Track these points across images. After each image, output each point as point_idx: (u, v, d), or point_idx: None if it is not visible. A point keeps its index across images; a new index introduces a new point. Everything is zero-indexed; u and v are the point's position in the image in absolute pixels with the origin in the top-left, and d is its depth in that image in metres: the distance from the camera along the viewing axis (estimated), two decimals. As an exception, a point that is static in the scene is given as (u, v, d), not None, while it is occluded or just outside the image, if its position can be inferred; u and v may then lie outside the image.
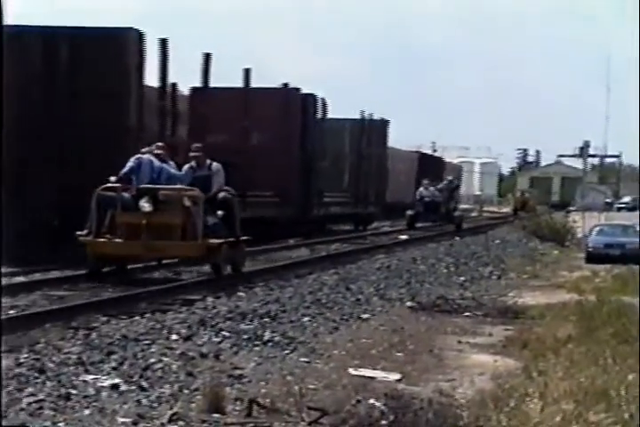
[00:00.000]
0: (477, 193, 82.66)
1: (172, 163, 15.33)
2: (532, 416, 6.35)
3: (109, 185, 14.44)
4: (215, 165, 15.42)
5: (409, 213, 33.23)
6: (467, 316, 12.32)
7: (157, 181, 14.62)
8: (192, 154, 15.57)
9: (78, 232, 14.34)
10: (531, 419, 6.30)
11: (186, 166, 15.43)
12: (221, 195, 15.14)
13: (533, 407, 6.55)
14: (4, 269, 15.11)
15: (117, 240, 14.16)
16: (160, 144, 15.41)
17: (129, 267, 15.42)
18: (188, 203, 14.44)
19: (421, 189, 34.83)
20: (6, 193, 17.23)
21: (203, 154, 15.60)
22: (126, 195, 14.47)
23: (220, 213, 14.76)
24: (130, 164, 14.70)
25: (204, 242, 14.08)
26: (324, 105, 28.86)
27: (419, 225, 33.63)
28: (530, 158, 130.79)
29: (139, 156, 14.83)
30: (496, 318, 12.21)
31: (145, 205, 14.21)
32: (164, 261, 15.92)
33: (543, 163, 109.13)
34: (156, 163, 14.80)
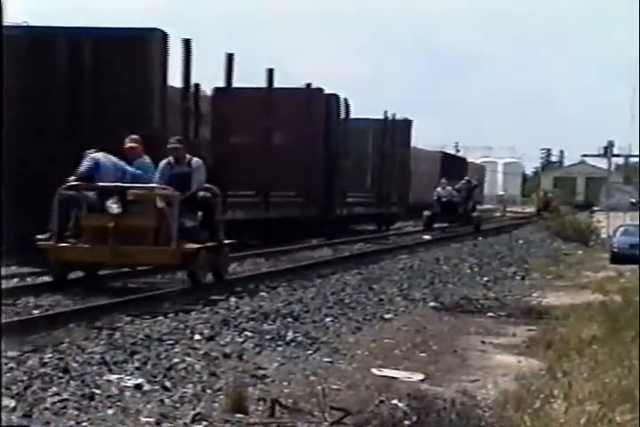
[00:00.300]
0: (501, 193, 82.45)
1: (146, 158, 14.00)
2: (556, 417, 6.32)
3: (72, 184, 13.25)
4: (195, 160, 13.85)
5: (426, 213, 32.64)
6: (490, 316, 12.29)
7: (122, 181, 13.35)
8: (170, 146, 13.93)
9: (39, 236, 13.05)
10: (555, 420, 6.27)
11: (162, 162, 13.93)
12: (201, 194, 13.57)
13: (557, 408, 6.52)
14: (26, 269, 15.21)
15: (82, 245, 12.82)
16: (174, 140, 14.19)
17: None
18: (161, 204, 13.04)
19: (439, 188, 33.97)
20: (30, 192, 17.33)
21: (183, 147, 14.03)
22: (91, 195, 13.32)
23: (199, 214, 13.45)
24: (86, 162, 13.54)
25: (179, 247, 12.66)
26: (347, 105, 28.85)
27: (436, 226, 33.14)
28: (553, 158, 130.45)
29: (93, 155, 13.68)
30: (520, 318, 12.17)
31: (112, 206, 12.94)
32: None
33: (567, 163, 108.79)
34: (118, 162, 13.67)
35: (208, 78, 22.75)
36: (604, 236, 29.16)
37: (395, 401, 7.05)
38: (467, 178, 37.25)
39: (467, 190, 35.15)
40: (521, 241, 28.68)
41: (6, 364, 7.79)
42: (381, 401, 7.03)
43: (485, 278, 17.06)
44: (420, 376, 8.18)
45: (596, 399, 6.79)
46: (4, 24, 18.17)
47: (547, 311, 12.60)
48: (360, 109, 35.71)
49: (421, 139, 52.76)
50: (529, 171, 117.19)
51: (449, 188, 33.73)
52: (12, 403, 6.52)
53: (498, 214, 60.08)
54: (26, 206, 17.32)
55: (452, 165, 54.97)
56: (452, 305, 12.91)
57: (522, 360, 9.14)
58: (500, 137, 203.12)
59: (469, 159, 67.11)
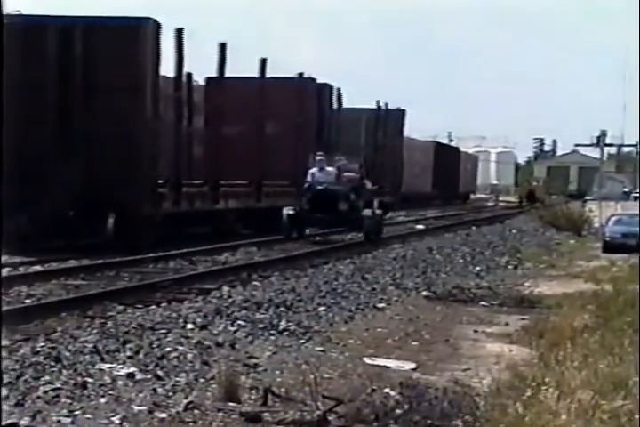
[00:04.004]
0: (494, 183, 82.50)
1: None
2: (548, 405, 6.33)
3: None
4: None
5: (287, 211, 20.82)
6: (483, 305, 12.30)
7: None
8: None
9: None
10: (547, 408, 6.28)
11: None
12: None
13: (550, 396, 6.52)
14: (19, 259, 15.20)
15: None
16: None
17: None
18: None
19: (314, 169, 21.41)
20: (21, 182, 17.29)
21: None
22: None
23: None
24: None
25: None
26: (340, 95, 28.83)
27: (307, 232, 22.09)
28: (546, 148, 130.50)
29: None
30: (512, 307, 12.18)
31: None
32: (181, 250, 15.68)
33: (560, 152, 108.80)
34: None
35: (200, 68, 22.74)
36: (596, 225, 29.19)
37: (387, 390, 7.06)
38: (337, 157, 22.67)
39: (359, 172, 22.44)
40: (514, 231, 28.70)
41: (-2, 353, 7.79)
42: (373, 390, 7.04)
43: (478, 268, 17.07)
44: (413, 365, 8.20)
45: (588, 387, 6.80)
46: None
47: (539, 300, 12.61)
48: (353, 100, 35.74)
49: (415, 129, 52.62)
50: (522, 160, 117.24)
51: (330, 169, 21.51)
52: (4, 392, 6.52)
53: (491, 204, 60.07)
54: (17, 196, 17.30)
55: (446, 155, 55.05)
56: (445, 294, 12.92)
57: (514, 349, 9.16)
58: (493, 127, 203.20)
59: (462, 149, 67.12)
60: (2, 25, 12.62)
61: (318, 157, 21.68)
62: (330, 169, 21.55)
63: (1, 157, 13.32)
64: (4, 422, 5.86)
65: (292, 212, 20.90)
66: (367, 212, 21.44)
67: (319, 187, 21.23)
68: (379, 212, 22.50)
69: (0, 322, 8.37)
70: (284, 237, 20.57)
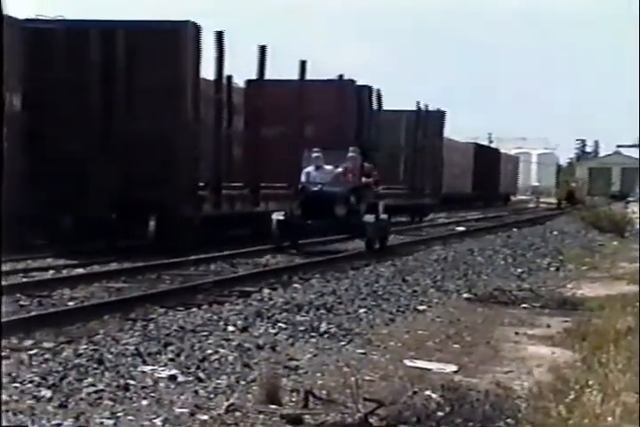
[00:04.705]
0: (535, 184, 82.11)
1: None
2: (592, 408, 6.28)
3: None
4: None
5: (276, 217, 18.61)
6: (524, 307, 12.22)
7: None
8: None
9: None
10: (591, 411, 6.23)
11: None
12: None
13: (593, 399, 6.47)
14: (62, 262, 15.33)
15: None
16: None
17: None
18: None
19: (309, 168, 19.16)
20: (65, 185, 17.45)
21: None
22: None
23: None
24: None
25: None
26: (380, 96, 28.81)
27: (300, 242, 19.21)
28: (588, 149, 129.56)
29: None
30: (554, 309, 12.09)
31: None
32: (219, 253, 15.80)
33: (602, 153, 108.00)
34: None
35: (241, 70, 22.81)
36: (638, 226, 28.93)
37: (428, 392, 7.03)
38: (351, 149, 19.74)
39: (357, 172, 19.45)
40: (555, 232, 28.52)
41: (42, 355, 7.85)
42: (415, 392, 7.02)
43: (519, 270, 16.98)
44: (454, 367, 8.16)
45: (632, 390, 6.74)
46: (43, 18, 18.37)
47: (581, 302, 12.51)
48: (393, 101, 35.68)
49: (455, 130, 52.46)
50: (563, 162, 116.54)
51: (329, 167, 19.24)
52: (49, 394, 6.57)
53: (532, 205, 59.75)
54: (60, 200, 17.48)
55: (486, 157, 54.85)
56: (486, 296, 12.85)
57: (556, 351, 9.09)
58: (534, 128, 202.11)
59: (503, 150, 66.83)
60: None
61: (315, 154, 19.17)
62: (328, 167, 19.09)
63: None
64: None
65: (281, 217, 18.47)
66: (369, 217, 18.75)
67: (313, 188, 18.79)
68: (384, 217, 19.85)
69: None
70: (274, 247, 18.25)
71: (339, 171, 19.17)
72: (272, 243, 18.40)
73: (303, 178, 19.06)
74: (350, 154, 19.44)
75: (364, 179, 19.33)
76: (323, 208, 18.28)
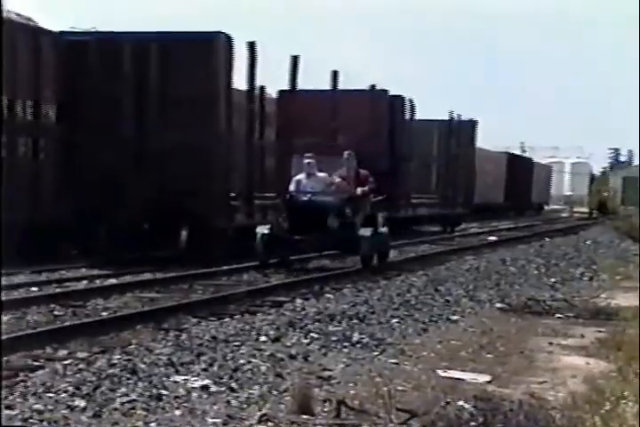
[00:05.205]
0: (568, 193, 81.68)
1: None
2: (628, 419, 6.23)
3: None
4: None
5: (261, 231, 16.70)
6: (558, 317, 12.15)
7: None
8: None
9: None
10: (627, 422, 6.18)
11: None
12: None
13: (629, 410, 6.42)
14: (96, 272, 15.42)
15: None
16: None
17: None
18: None
19: (300, 176, 17.34)
20: (100, 196, 17.55)
21: None
22: None
23: None
24: None
25: None
26: (412, 106, 28.81)
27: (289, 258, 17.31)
28: (622, 158, 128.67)
29: None
30: (588, 319, 12.02)
31: None
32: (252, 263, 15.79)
33: (636, 162, 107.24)
34: None
35: (272, 81, 22.87)
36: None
37: (461, 403, 7.00)
38: (347, 153, 17.77)
39: (354, 179, 17.54)
40: (589, 242, 28.35)
41: (76, 364, 7.89)
42: (448, 402, 6.99)
43: (553, 279, 16.89)
44: (487, 378, 8.12)
45: (668, 401, 6.68)
46: (78, 30, 18.53)
47: (616, 312, 12.42)
48: (426, 111, 35.64)
49: (487, 139, 52.29)
50: (597, 171, 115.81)
51: (322, 174, 17.35)
52: (83, 403, 6.60)
53: (565, 215, 59.43)
54: (94, 210, 17.59)
55: (519, 166, 54.62)
56: (519, 306, 12.80)
57: (591, 362, 9.03)
58: (567, 137, 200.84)
59: (535, 159, 66.53)
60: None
61: (306, 160, 17.21)
62: (321, 175, 17.23)
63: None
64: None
65: (266, 231, 16.61)
66: (365, 231, 16.70)
67: (303, 198, 16.98)
68: (383, 230, 17.61)
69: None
70: (260, 265, 16.29)
71: (333, 178, 17.31)
72: (257, 259, 16.50)
73: (292, 187, 17.23)
74: (345, 159, 17.55)
75: (359, 189, 17.26)
76: (312, 221, 16.38)
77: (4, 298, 11.91)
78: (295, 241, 16.60)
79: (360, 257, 16.97)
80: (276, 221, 16.97)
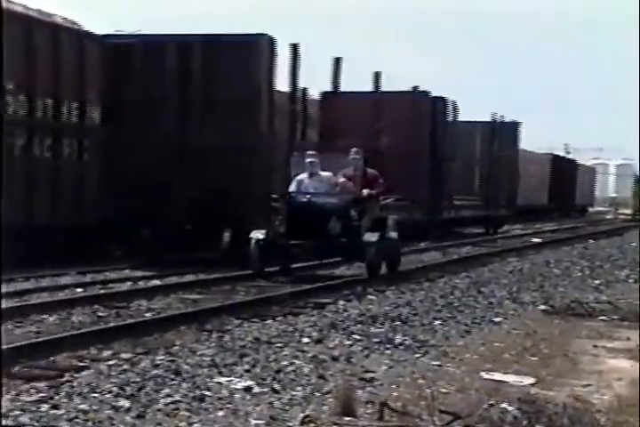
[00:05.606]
0: (613, 195, 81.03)
1: None
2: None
3: None
4: None
5: (255, 235, 15.19)
6: (602, 320, 12.06)
7: None
8: None
9: None
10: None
11: None
12: None
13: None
14: (140, 273, 15.51)
15: None
16: None
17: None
18: None
19: (303, 176, 15.89)
20: (142, 197, 17.67)
21: None
22: None
23: None
24: None
25: None
26: (455, 108, 28.73)
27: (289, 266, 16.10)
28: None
29: None
30: (633, 322, 11.90)
31: None
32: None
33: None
34: None
35: (315, 82, 22.90)
36: None
37: (504, 405, 6.97)
38: (354, 150, 16.24)
39: (360, 180, 15.93)
40: (634, 244, 28.08)
41: (120, 365, 7.95)
42: (491, 405, 6.96)
43: (597, 281, 16.76)
44: (531, 380, 8.08)
45: None
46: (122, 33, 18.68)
47: (661, 315, 12.31)
48: (469, 112, 35.49)
49: (531, 141, 51.95)
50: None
51: (326, 173, 15.88)
52: (127, 404, 6.64)
53: (609, 217, 58.95)
54: (138, 212, 17.70)
55: (563, 168, 54.29)
56: (563, 308, 12.71)
57: (636, 365, 8.95)
58: (612, 138, 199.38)
59: (580, 161, 66.08)
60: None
61: (309, 159, 15.70)
62: (325, 174, 15.71)
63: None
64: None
65: (261, 236, 15.07)
66: (370, 236, 15.11)
67: (302, 199, 15.49)
68: (393, 235, 15.98)
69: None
70: (254, 274, 14.94)
71: (338, 178, 15.85)
72: (249, 268, 15.13)
73: (293, 187, 15.77)
74: (352, 157, 16.06)
75: (365, 190, 15.75)
76: (311, 224, 14.84)
77: (49, 299, 12.05)
78: (290, 246, 15.02)
79: (366, 265, 15.31)
80: (271, 225, 15.40)
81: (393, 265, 16.18)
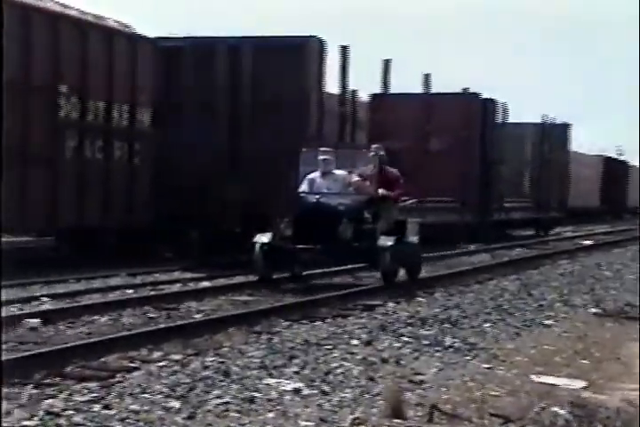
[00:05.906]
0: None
1: None
2: None
3: None
4: None
5: (260, 239, 14.00)
6: (655, 323, 11.92)
7: None
8: None
9: None
10: None
11: None
12: None
13: None
14: (190, 275, 15.59)
15: None
16: None
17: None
18: None
19: (314, 174, 14.45)
20: (192, 200, 17.77)
21: None
22: None
23: None
24: None
25: None
26: (505, 109, 28.61)
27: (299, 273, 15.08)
28: None
29: None
30: (686, 325, 11.77)
31: None
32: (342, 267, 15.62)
33: None
34: None
35: (364, 84, 22.90)
36: None
37: (556, 409, 6.92)
38: (374, 146, 14.99)
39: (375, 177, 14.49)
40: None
41: (171, 366, 7.99)
42: (542, 408, 6.91)
43: (650, 284, 16.59)
44: (582, 384, 8.01)
45: None
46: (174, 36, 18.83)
47: None
48: (520, 114, 35.29)
49: (584, 143, 51.41)
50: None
51: (340, 172, 14.50)
52: (177, 405, 6.68)
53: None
54: (188, 214, 17.81)
55: (615, 170, 53.79)
56: (615, 311, 12.60)
57: (689, 369, 8.84)
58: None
59: (632, 163, 65.39)
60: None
61: (322, 156, 14.32)
62: (339, 173, 14.38)
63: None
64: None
65: (266, 240, 13.87)
66: (386, 240, 13.79)
67: (311, 200, 14.19)
68: (413, 239, 14.79)
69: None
70: (259, 280, 14.03)
71: (353, 177, 14.50)
72: (254, 273, 14.26)
73: (304, 186, 14.42)
74: (370, 154, 14.67)
75: (381, 190, 14.33)
76: (321, 228, 13.66)
77: (100, 300, 12.15)
78: (297, 251, 13.85)
79: (380, 272, 14.18)
80: (276, 227, 14.11)
81: (412, 272, 15.01)
